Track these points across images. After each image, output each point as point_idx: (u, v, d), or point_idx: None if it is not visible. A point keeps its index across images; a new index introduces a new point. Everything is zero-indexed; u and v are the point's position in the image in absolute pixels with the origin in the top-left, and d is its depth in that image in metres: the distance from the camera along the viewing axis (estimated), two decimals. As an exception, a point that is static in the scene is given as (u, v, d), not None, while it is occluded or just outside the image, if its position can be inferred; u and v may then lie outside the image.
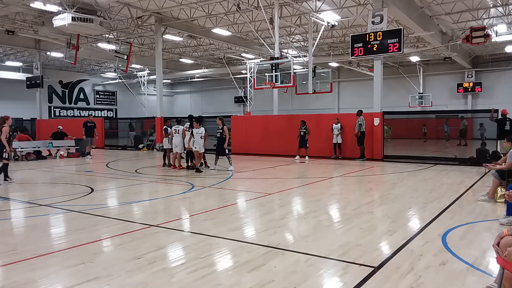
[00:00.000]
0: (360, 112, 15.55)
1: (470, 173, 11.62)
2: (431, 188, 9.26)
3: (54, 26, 16.71)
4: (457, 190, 8.76)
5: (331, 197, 8.39)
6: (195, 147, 12.07)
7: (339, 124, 15.73)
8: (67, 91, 37.91)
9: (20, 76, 31.37)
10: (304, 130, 15.37)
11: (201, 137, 11.95)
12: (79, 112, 38.11)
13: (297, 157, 15.75)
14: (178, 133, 12.92)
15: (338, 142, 15.87)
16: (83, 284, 3.72)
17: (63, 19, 15.97)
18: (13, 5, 17.62)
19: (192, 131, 12.20)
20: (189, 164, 13.01)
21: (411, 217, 6.59)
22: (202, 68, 34.11)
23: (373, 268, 4.08)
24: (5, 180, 10.22)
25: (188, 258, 4.48)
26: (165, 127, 13.80)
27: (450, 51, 23.79)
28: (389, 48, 14.20)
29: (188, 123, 12.90)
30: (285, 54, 24.98)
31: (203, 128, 12.15)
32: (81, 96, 39.08)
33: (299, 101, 34.48)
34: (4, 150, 9.91)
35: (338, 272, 4.05)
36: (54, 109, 36.23)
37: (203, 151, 12.22)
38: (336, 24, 18.55)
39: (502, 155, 8.24)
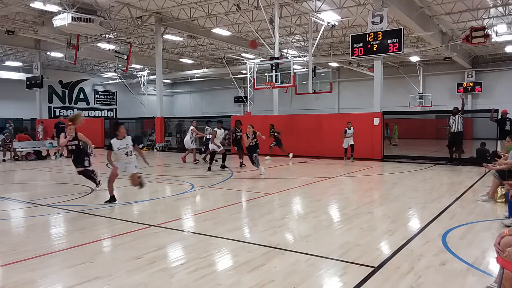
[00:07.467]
0: (455, 111, 13.48)
1: (470, 173, 11.62)
2: (431, 188, 9.26)
3: (54, 26, 16.71)
4: (457, 190, 8.76)
5: (331, 197, 8.38)
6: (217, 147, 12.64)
7: (353, 129, 14.90)
8: (67, 91, 37.89)
9: (20, 76, 31.32)
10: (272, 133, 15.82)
11: (223, 138, 12.97)
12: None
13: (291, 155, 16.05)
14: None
15: (350, 143, 15.01)
16: (83, 284, 3.73)
17: (63, 19, 15.97)
18: (13, 5, 17.60)
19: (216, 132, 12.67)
20: (223, 163, 12.99)
21: (411, 217, 6.59)
22: (202, 68, 34.09)
23: (373, 268, 4.08)
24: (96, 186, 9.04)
25: (188, 258, 4.48)
26: (206, 127, 15.15)
27: (450, 51, 23.77)
28: (389, 48, 14.19)
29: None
30: (285, 54, 24.95)
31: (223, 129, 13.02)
32: (81, 96, 39.06)
33: (299, 101, 34.45)
34: (86, 158, 9.01)
35: (338, 272, 4.05)
36: (54, 109, 36.19)
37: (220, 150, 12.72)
38: (336, 24, 18.54)
39: (502, 155, 8.23)
